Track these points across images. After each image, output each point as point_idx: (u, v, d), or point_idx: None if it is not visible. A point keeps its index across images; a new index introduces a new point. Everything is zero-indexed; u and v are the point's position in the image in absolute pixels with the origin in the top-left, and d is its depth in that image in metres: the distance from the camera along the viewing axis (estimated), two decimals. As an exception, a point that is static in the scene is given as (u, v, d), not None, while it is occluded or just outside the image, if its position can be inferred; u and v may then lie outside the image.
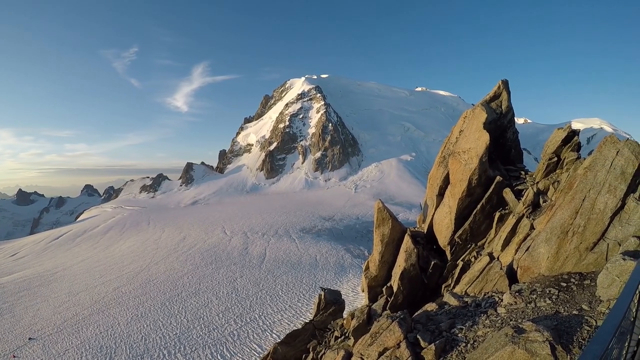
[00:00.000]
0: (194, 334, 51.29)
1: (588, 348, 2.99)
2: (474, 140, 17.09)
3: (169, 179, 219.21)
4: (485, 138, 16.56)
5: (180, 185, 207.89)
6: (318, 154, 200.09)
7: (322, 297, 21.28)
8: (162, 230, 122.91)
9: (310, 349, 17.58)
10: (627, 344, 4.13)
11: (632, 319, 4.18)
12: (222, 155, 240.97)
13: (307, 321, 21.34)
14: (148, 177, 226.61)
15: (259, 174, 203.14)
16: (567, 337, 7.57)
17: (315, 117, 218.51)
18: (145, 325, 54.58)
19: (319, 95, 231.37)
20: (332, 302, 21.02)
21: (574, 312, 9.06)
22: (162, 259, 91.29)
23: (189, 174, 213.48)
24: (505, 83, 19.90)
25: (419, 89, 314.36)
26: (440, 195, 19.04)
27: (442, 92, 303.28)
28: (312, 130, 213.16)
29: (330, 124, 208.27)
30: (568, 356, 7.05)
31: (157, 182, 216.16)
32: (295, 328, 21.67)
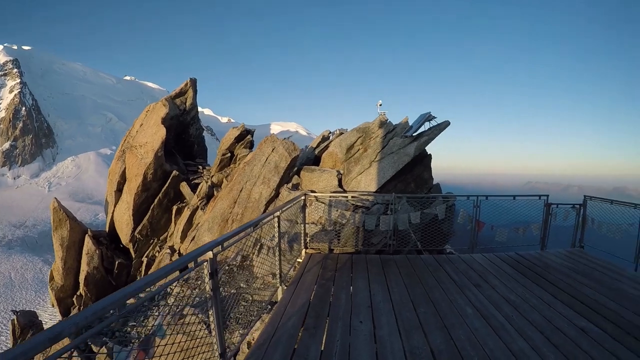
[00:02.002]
0: None
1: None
2: (151, 135, 16.92)
3: None
4: (161, 133, 16.55)
5: None
6: (7, 145, 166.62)
7: (16, 321, 18.15)
8: None
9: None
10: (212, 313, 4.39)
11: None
12: None
13: (7, 353, 17.88)
14: None
15: None
16: (224, 314, 8.02)
17: (7, 97, 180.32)
18: None
19: (15, 70, 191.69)
20: (28, 326, 18.09)
21: (233, 290, 9.75)
22: None
23: None
24: (193, 81, 20.33)
25: (128, 77, 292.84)
26: (119, 191, 18.28)
27: (151, 84, 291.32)
28: (1, 115, 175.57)
29: (23, 108, 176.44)
30: (226, 332, 7.35)
31: None
32: (0, 365, 17.84)
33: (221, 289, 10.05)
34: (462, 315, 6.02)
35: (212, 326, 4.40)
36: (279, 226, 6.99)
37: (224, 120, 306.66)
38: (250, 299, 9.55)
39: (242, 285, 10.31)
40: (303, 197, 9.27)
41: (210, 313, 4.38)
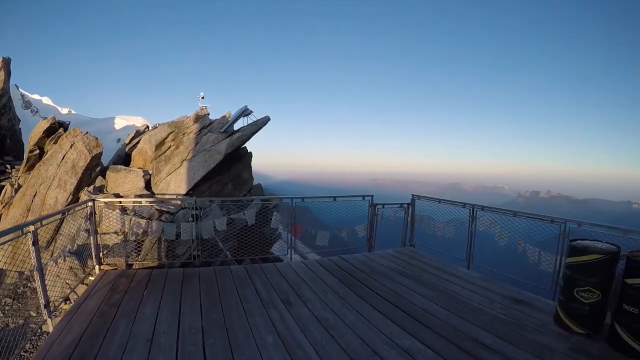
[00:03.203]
0: None
1: None
2: (-50, 126, 13.93)
3: None
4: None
5: None
6: None
7: None
8: None
9: None
10: None
11: None
12: None
13: None
14: None
15: None
16: (6, 354, 6.29)
17: None
18: None
19: None
20: None
21: (21, 321, 8.37)
22: None
23: None
24: (6, 61, 17.19)
25: None
26: None
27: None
28: None
29: None
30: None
31: None
32: None
33: (9, 320, 8.38)
34: (260, 346, 4.81)
35: None
36: (35, 244, 5.40)
37: (64, 111, 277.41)
38: (40, 330, 7.84)
39: (32, 313, 8.48)
40: (90, 204, 7.64)
41: None
